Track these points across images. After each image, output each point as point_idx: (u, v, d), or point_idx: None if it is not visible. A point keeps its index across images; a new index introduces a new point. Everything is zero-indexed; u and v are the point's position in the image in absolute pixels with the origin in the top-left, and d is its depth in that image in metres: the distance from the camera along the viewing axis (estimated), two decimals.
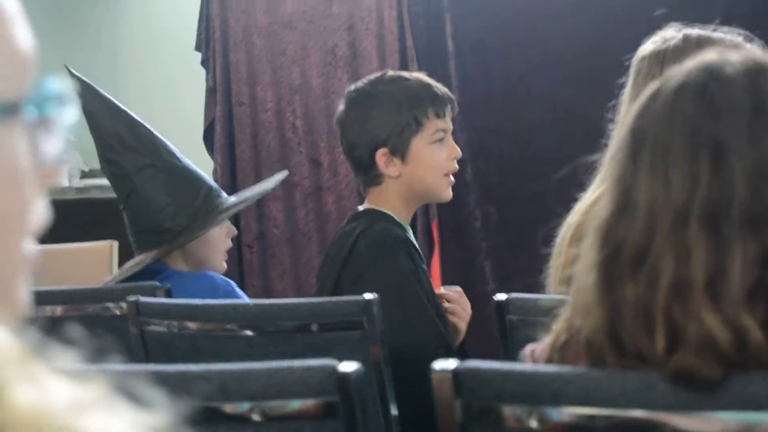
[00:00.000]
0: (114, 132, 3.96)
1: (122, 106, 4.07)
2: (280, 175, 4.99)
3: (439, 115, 3.87)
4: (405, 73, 4.09)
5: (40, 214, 0.99)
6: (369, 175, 3.89)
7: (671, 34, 3.23)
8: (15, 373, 0.82)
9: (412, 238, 3.92)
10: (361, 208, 4.05)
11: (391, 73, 4.13)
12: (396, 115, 3.84)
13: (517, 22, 7.03)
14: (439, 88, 3.96)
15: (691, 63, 1.84)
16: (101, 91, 4.10)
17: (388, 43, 7.58)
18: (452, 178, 3.96)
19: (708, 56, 1.83)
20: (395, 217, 3.84)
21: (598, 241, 1.78)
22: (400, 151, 3.82)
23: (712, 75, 1.76)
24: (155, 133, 4.11)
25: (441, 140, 3.88)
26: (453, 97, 4.00)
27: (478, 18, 7.24)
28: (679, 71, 1.82)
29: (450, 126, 3.96)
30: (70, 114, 0.97)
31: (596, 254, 1.77)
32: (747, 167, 1.67)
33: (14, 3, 0.97)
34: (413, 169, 3.83)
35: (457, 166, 3.98)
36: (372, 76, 4.19)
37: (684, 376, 1.64)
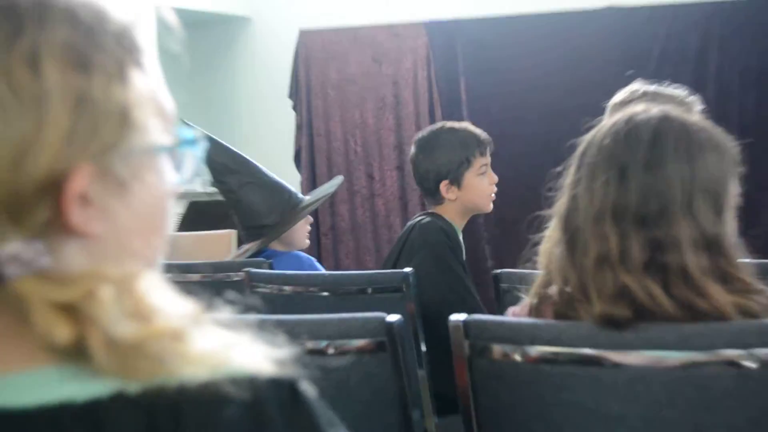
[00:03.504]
0: (221, 162, 3.98)
1: (225, 143, 4.11)
2: (337, 180, 4.99)
3: (483, 154, 3.83)
4: (456, 124, 4.03)
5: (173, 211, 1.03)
6: (434, 198, 3.83)
7: (636, 87, 3.21)
8: (191, 324, 0.89)
9: (460, 239, 3.87)
10: (417, 217, 3.99)
11: (447, 124, 4.06)
12: (454, 156, 3.80)
13: (511, 80, 7.01)
14: (481, 134, 3.91)
15: (622, 112, 1.89)
16: (211, 135, 4.13)
17: (420, 94, 7.59)
18: (493, 195, 3.95)
19: (635, 108, 1.88)
20: (450, 221, 3.81)
21: (560, 227, 1.83)
22: (457, 182, 3.78)
23: (627, 121, 1.81)
24: (248, 158, 4.14)
25: (484, 172, 3.85)
26: (491, 139, 3.96)
27: (483, 78, 7.22)
28: (613, 118, 1.88)
29: (489, 160, 3.91)
30: (198, 149, 1.00)
31: (561, 235, 1.83)
32: (640, 184, 1.73)
33: (159, 75, 0.99)
34: (466, 194, 3.80)
35: (495, 188, 3.95)
36: (433, 127, 4.15)
37: (605, 319, 1.70)
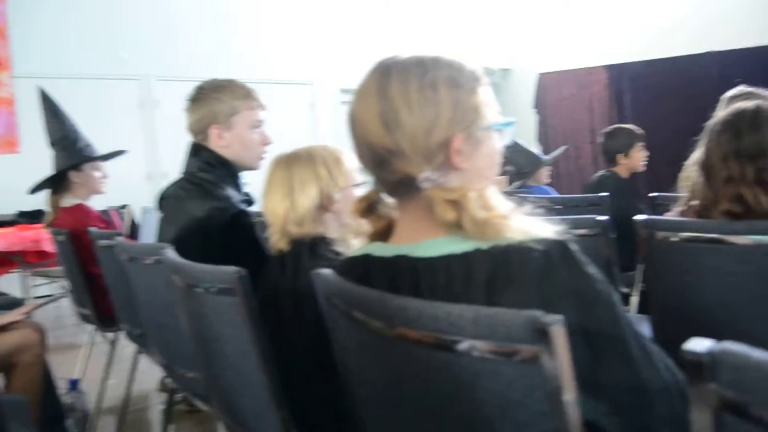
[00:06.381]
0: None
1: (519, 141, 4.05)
2: (562, 149, 4.89)
3: (640, 141, 3.55)
4: (625, 127, 3.68)
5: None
6: (612, 162, 3.54)
7: (740, 88, 2.83)
8: (511, 212, 0.90)
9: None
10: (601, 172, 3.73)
11: (620, 126, 3.72)
12: (626, 141, 3.53)
13: (654, 93, 6.57)
14: (637, 130, 3.59)
15: (734, 106, 1.71)
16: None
17: (603, 103, 7.23)
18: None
19: (740, 103, 1.71)
20: (621, 175, 3.55)
21: (700, 165, 1.68)
22: (626, 154, 3.53)
23: (737, 107, 1.66)
24: (521, 142, 4.06)
25: (639, 150, 3.57)
26: (643, 132, 3.61)
27: (638, 93, 6.82)
28: (729, 108, 1.70)
29: (642, 143, 3.59)
30: (510, 129, 1.01)
31: (700, 170, 1.67)
32: (749, 138, 1.58)
33: (490, 91, 0.99)
34: (629, 161, 3.53)
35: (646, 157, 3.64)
36: (613, 126, 3.77)
37: (728, 213, 1.58)
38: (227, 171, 1.90)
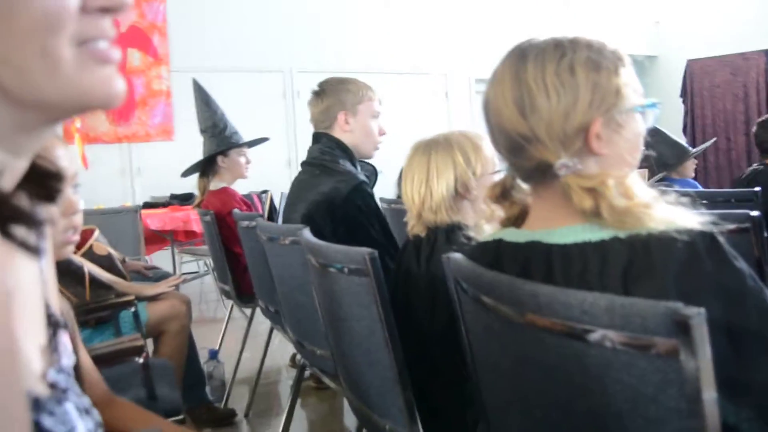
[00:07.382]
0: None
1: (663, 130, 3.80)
2: (711, 141, 4.54)
3: None
4: None
5: None
6: (766, 154, 3.28)
7: None
8: (654, 201, 0.86)
9: None
10: (755, 165, 3.42)
11: None
12: None
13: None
14: None
15: None
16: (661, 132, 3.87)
17: (760, 91, 6.66)
18: None
19: None
20: None
21: None
22: None
23: None
24: (666, 132, 3.80)
25: None
26: None
27: None
28: None
29: None
30: (655, 111, 0.97)
31: None
32: None
33: (633, 71, 0.95)
34: None
35: None
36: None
37: None
38: (345, 154, 2.06)
